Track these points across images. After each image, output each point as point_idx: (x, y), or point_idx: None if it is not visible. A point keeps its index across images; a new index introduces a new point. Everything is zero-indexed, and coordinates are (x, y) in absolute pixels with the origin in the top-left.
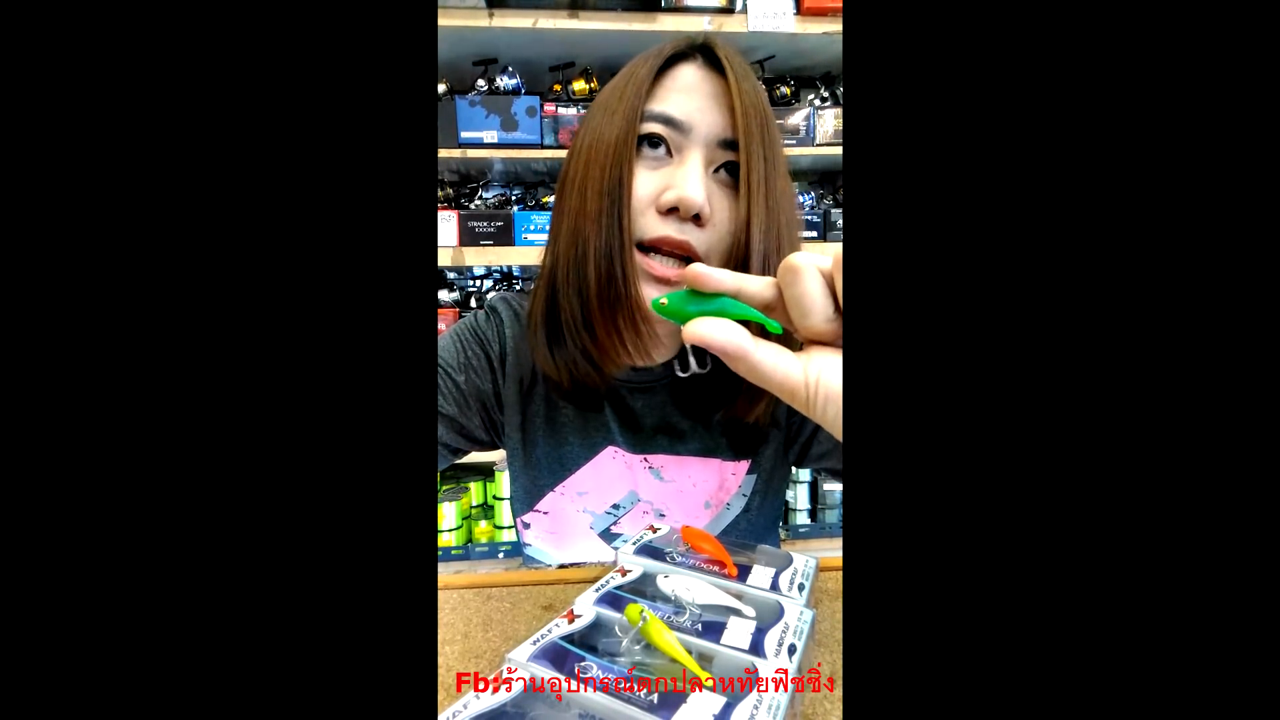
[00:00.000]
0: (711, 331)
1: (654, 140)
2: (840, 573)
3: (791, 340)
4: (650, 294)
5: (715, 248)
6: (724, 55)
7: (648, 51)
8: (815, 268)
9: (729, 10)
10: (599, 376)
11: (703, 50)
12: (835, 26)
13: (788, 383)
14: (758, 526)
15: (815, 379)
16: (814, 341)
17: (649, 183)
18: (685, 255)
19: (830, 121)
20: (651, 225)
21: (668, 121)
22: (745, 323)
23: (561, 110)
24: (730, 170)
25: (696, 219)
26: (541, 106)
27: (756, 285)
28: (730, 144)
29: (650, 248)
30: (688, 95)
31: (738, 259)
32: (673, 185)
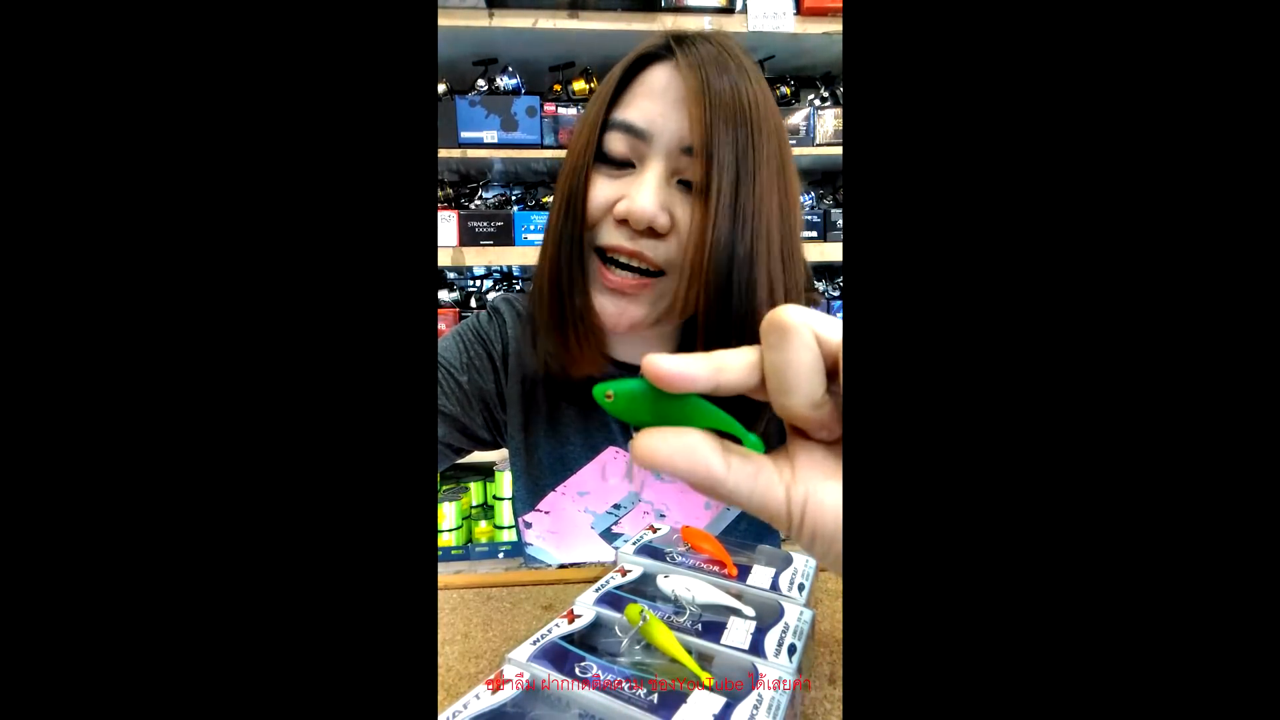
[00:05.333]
0: (670, 456)
1: (614, 155)
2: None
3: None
4: (605, 304)
5: (678, 260)
6: (687, 53)
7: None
8: (810, 330)
9: (729, 10)
10: (568, 377)
11: (679, 48)
12: (835, 26)
13: (767, 509)
14: (757, 526)
15: (801, 508)
16: (796, 433)
17: (607, 191)
18: (646, 267)
19: (830, 121)
20: (608, 233)
21: (629, 129)
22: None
23: (561, 110)
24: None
25: (651, 230)
26: (541, 106)
27: (737, 368)
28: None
29: (609, 257)
30: (654, 100)
31: (701, 272)
32: (626, 195)
